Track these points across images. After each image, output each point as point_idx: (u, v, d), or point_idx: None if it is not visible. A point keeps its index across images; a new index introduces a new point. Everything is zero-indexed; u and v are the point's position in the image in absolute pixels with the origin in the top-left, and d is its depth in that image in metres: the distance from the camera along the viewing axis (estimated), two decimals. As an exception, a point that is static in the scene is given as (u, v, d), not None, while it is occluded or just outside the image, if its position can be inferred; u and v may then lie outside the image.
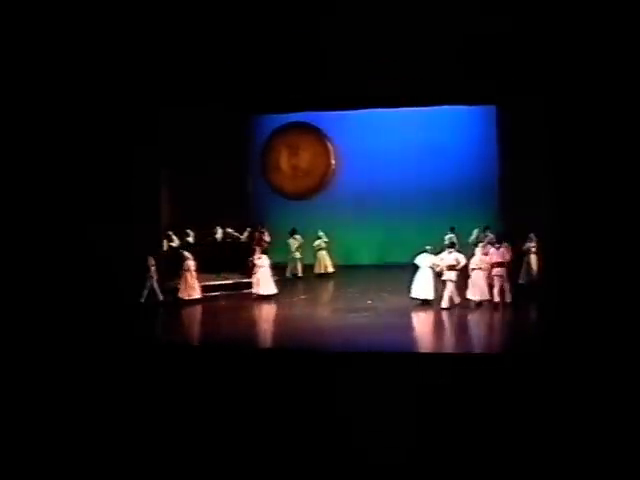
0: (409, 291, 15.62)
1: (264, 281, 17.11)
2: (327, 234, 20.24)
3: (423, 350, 13.03)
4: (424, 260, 15.52)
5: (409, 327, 14.35)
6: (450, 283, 15.17)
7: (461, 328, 14.30)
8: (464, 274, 15.38)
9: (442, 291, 15.27)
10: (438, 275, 15.55)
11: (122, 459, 7.75)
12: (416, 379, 10.12)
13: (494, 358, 12.06)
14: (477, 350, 13.11)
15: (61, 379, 10.32)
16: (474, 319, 14.85)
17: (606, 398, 8.77)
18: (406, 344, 13.12)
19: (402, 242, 20.67)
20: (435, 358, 11.97)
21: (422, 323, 14.80)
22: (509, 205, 18.18)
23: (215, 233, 19.53)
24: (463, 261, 15.28)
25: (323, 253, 20.13)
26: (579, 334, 11.85)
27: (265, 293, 17.06)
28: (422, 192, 20.46)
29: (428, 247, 15.75)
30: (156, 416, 8.93)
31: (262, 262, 17.16)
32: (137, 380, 10.29)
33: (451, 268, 15.16)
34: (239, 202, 20.47)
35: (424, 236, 20.27)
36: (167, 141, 17.46)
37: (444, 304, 15.10)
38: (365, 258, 21.39)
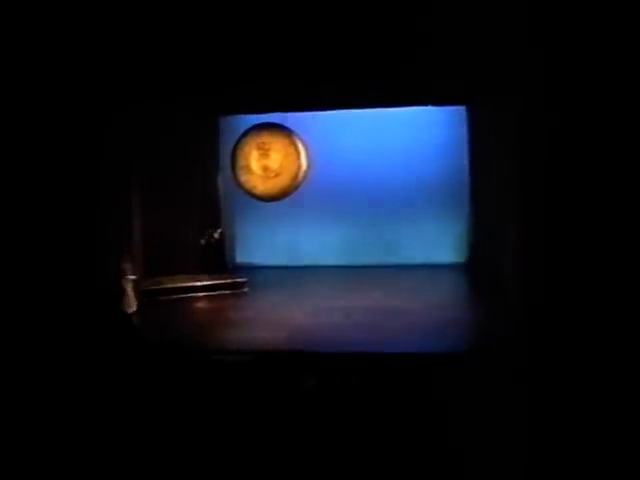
0: None
1: None
2: (295, 235, 21.15)
3: (396, 350, 12.99)
4: None
5: (381, 327, 14.39)
6: None
7: (435, 326, 14.35)
8: None
9: None
10: None
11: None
12: (389, 379, 10.13)
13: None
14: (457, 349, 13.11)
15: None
16: (451, 316, 14.85)
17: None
18: (379, 344, 13.12)
19: (371, 243, 20.94)
20: (410, 358, 11.99)
21: (395, 322, 14.85)
22: (480, 205, 18.52)
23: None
24: None
25: None
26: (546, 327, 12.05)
27: None
28: (392, 193, 20.59)
29: None
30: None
31: None
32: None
33: None
34: (208, 204, 20.34)
35: (394, 237, 20.72)
36: (136, 143, 17.22)
37: None
38: (333, 259, 21.34)
